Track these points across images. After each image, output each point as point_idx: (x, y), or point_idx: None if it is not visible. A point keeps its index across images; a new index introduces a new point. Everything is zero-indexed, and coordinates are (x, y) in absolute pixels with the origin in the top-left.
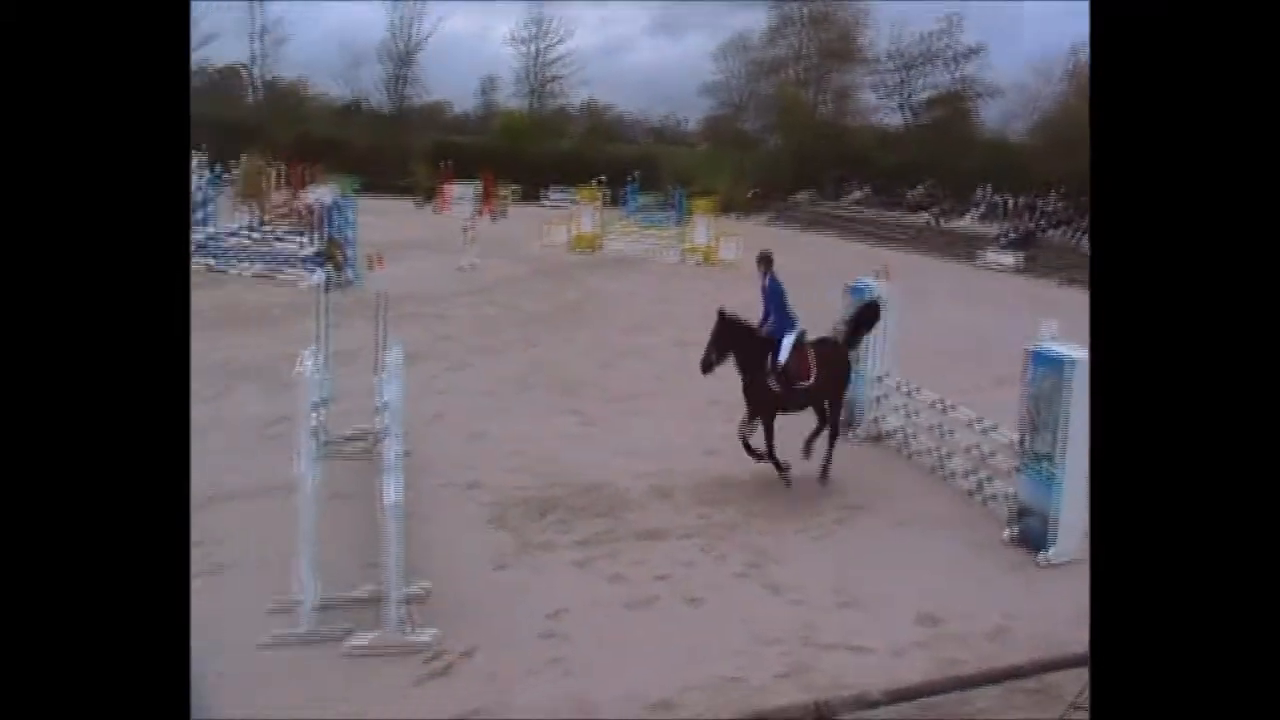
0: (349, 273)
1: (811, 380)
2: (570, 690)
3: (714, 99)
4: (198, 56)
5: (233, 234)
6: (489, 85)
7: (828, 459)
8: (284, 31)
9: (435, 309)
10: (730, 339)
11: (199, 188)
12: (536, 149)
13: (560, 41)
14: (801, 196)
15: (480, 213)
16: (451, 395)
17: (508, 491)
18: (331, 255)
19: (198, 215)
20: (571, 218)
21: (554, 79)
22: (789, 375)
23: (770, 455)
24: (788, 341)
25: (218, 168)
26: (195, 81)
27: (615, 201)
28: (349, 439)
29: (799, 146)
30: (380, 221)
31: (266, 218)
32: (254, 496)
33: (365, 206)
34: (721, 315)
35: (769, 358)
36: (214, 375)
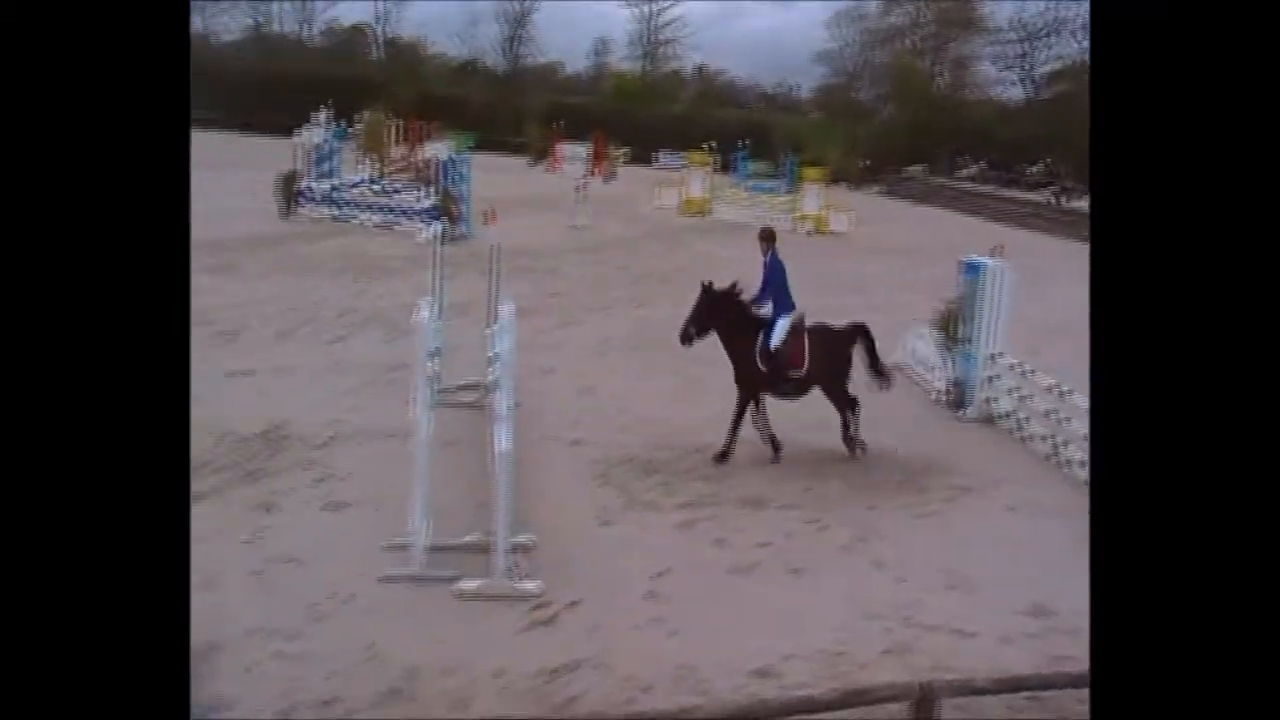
0: (463, 227)
1: (804, 370)
2: (672, 650)
3: (827, 67)
4: (327, 16)
5: (354, 186)
6: (601, 47)
7: (854, 433)
8: None
9: (546, 265)
10: (713, 314)
11: (325, 140)
12: (647, 112)
13: (674, 5)
14: (914, 169)
15: (591, 173)
16: (561, 351)
17: (613, 449)
18: (447, 209)
19: (324, 167)
20: (682, 182)
21: (667, 42)
22: (779, 360)
23: (732, 431)
24: (782, 324)
25: (342, 123)
26: (324, 40)
27: (725, 167)
28: (461, 388)
29: (913, 118)
30: (494, 178)
31: (386, 171)
32: (373, 438)
33: (479, 163)
34: (705, 289)
35: (759, 336)
36: (338, 320)
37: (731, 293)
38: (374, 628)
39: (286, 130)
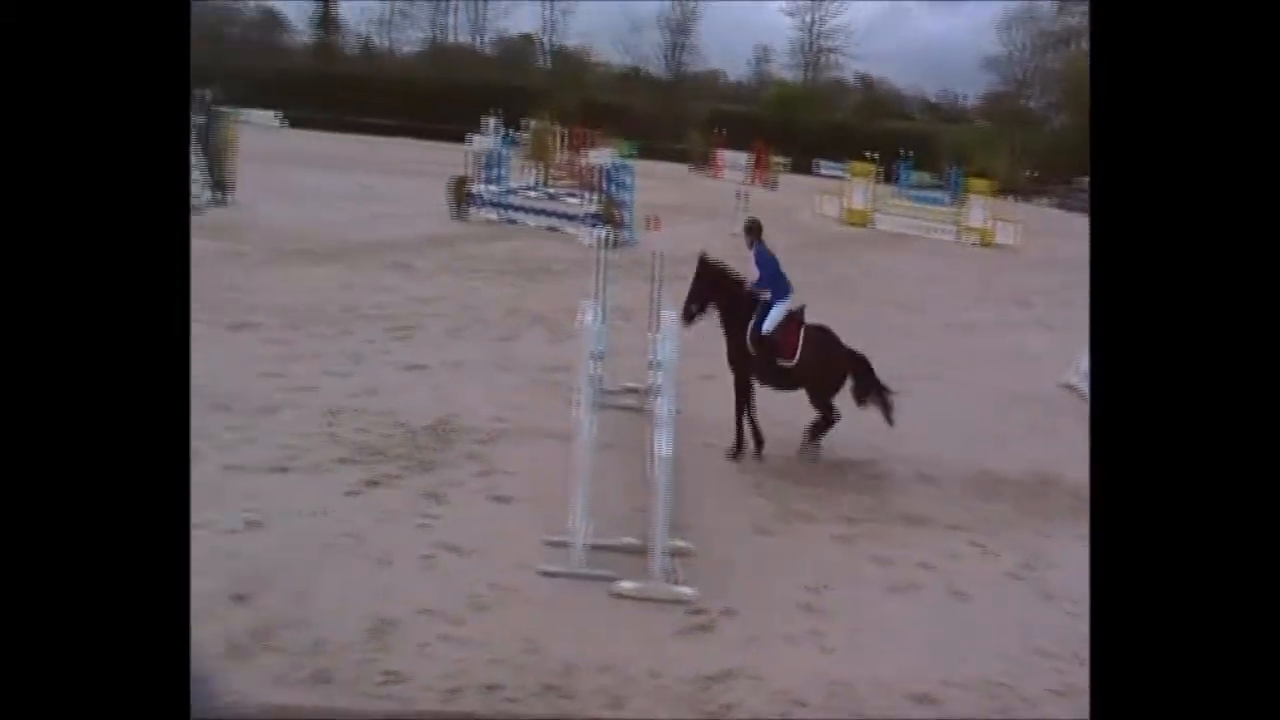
0: (626, 233)
1: (793, 363)
2: (826, 667)
3: (996, 73)
4: (497, 26)
5: (521, 190)
6: (762, 55)
7: (812, 439)
8: (571, 2)
9: None
10: (712, 289)
11: (495, 147)
12: (808, 120)
13: (837, 13)
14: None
15: (752, 181)
16: (720, 358)
17: (770, 458)
18: (610, 215)
19: (493, 172)
20: (843, 191)
21: (828, 50)
22: (770, 347)
23: (738, 422)
24: (777, 311)
25: (511, 130)
26: (494, 50)
27: (888, 177)
28: (620, 392)
29: (1088, 125)
30: (655, 185)
31: (551, 177)
32: (536, 436)
33: (641, 170)
34: (703, 261)
35: (752, 319)
36: (505, 320)
37: (725, 267)
38: (533, 620)
39: (459, 137)
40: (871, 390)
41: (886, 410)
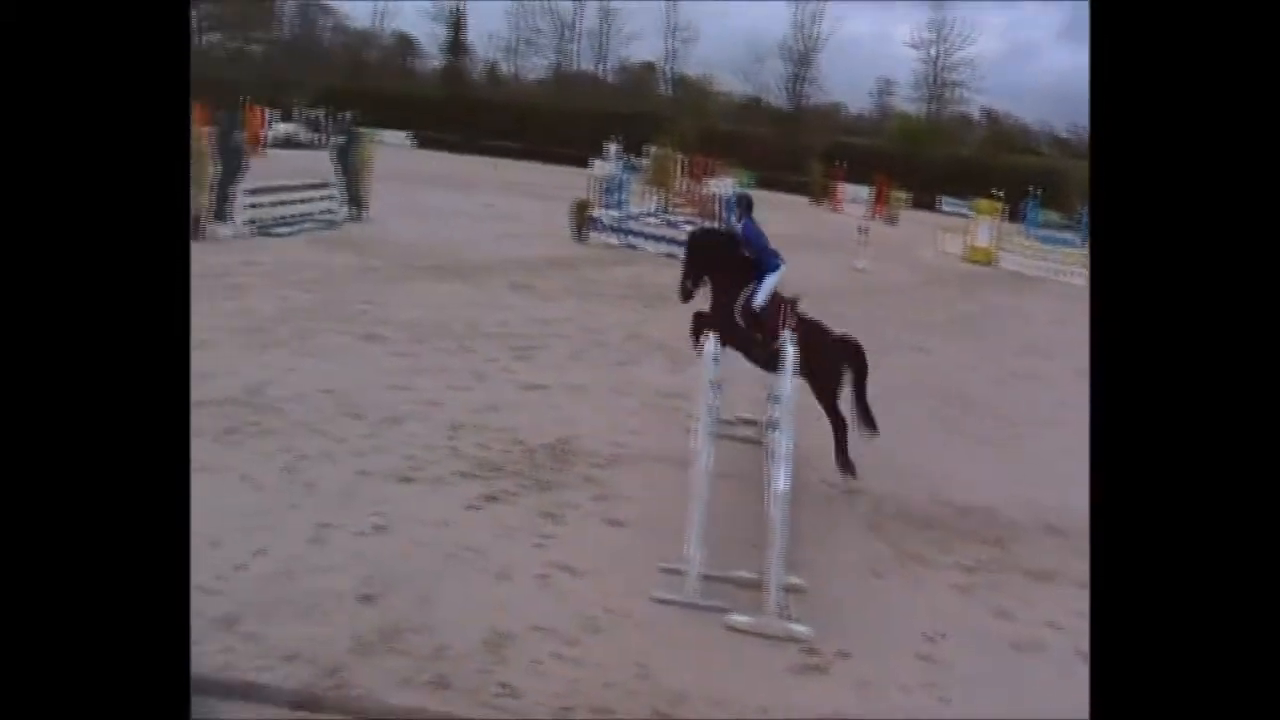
0: None
1: (779, 342)
2: (943, 718)
3: None
4: (621, 55)
5: (641, 216)
6: (885, 87)
7: (842, 458)
8: (693, 31)
9: (826, 307)
10: (706, 258)
11: (616, 172)
12: (931, 154)
13: (963, 46)
14: None
15: (873, 215)
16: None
17: (887, 499)
18: None
19: (613, 198)
20: (967, 229)
21: (953, 84)
22: (758, 322)
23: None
24: (770, 281)
25: (631, 156)
26: (616, 78)
27: (1014, 215)
28: (736, 423)
29: None
30: (775, 216)
31: (671, 204)
32: (652, 461)
33: (760, 200)
34: (695, 234)
35: (747, 288)
36: (624, 345)
37: (720, 232)
38: (645, 646)
39: (581, 161)
40: (862, 397)
41: (864, 423)
